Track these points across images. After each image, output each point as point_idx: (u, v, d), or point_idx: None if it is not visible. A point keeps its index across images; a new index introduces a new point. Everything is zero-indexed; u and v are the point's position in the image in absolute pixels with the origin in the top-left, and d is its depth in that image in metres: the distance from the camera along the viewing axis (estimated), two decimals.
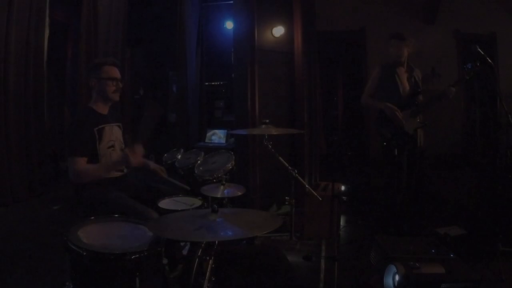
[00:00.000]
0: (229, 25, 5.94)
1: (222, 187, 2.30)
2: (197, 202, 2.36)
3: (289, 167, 2.45)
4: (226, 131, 5.54)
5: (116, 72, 2.39)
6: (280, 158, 2.48)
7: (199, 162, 2.93)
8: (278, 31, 4.29)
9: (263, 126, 2.53)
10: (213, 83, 6.35)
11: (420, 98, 3.15)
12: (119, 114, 2.57)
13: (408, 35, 3.17)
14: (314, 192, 2.58)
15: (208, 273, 1.52)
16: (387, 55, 3.22)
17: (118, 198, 2.23)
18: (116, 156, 2.34)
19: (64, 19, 5.82)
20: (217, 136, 5.59)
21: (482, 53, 2.72)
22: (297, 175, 2.45)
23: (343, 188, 3.40)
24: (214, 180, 2.64)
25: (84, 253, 1.48)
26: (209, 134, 5.66)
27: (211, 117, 6.34)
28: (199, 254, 1.69)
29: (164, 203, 2.32)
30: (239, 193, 2.33)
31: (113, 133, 2.42)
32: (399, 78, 3.15)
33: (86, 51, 4.65)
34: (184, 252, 2.09)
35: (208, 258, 1.54)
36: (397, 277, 2.00)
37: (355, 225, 3.77)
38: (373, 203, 4.21)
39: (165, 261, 1.64)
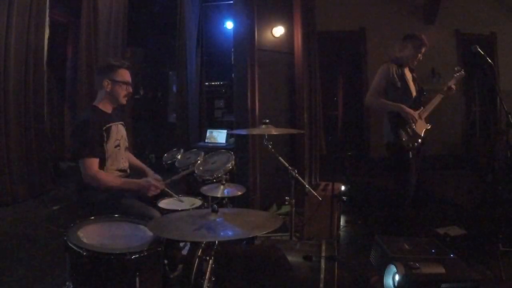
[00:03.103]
0: (229, 25, 5.94)
1: (222, 187, 2.30)
2: (197, 202, 2.36)
3: (289, 167, 2.44)
4: (226, 131, 5.54)
5: (129, 76, 2.40)
6: (280, 158, 2.48)
7: (199, 162, 2.92)
8: (278, 31, 4.29)
9: (263, 126, 2.53)
10: (213, 83, 6.35)
11: (424, 99, 3.11)
12: (121, 113, 2.57)
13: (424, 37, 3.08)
14: (314, 192, 2.57)
15: (208, 273, 1.52)
16: (399, 56, 3.09)
17: (119, 197, 2.23)
18: (138, 181, 2.29)
19: (64, 19, 5.82)
20: (217, 136, 5.59)
21: (482, 53, 2.71)
22: (297, 175, 2.44)
23: (343, 188, 3.39)
24: (214, 180, 2.64)
25: (84, 253, 1.48)
26: (209, 134, 5.66)
27: (211, 117, 6.34)
28: (199, 254, 1.69)
29: (164, 203, 2.32)
30: (239, 193, 2.33)
31: (119, 132, 2.42)
32: (407, 79, 3.07)
33: (86, 51, 4.66)
34: (184, 252, 2.09)
35: (208, 258, 1.54)
36: (397, 277, 2.00)
37: (355, 225, 3.77)
38: (373, 203, 4.22)
39: (165, 261, 1.64)
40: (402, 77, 3.04)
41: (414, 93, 3.07)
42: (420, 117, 3.03)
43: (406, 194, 2.96)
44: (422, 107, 3.07)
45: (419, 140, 2.99)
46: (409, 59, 3.08)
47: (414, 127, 2.98)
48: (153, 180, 2.27)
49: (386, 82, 3.04)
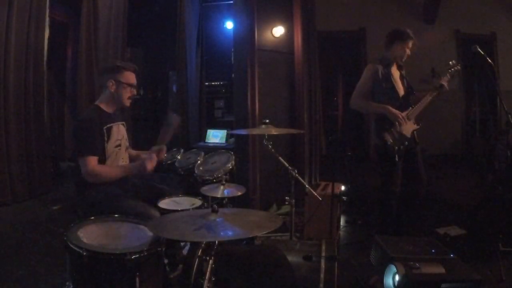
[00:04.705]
0: (229, 25, 5.94)
1: (222, 187, 2.30)
2: (197, 202, 2.36)
3: (289, 167, 2.44)
4: (226, 131, 5.54)
5: (134, 79, 2.41)
6: (280, 158, 2.48)
7: (199, 162, 2.93)
8: (278, 31, 4.29)
9: (263, 126, 2.53)
10: (213, 83, 6.36)
11: (413, 98, 3.00)
12: (122, 113, 2.58)
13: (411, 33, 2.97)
14: (314, 192, 2.57)
15: (208, 273, 1.52)
16: (386, 55, 3.00)
17: (119, 197, 2.23)
18: (134, 164, 2.32)
19: (64, 19, 5.82)
20: (217, 136, 5.59)
21: (482, 53, 2.69)
22: (297, 175, 2.45)
23: (343, 188, 3.38)
24: (214, 180, 2.64)
25: (84, 253, 1.48)
26: (209, 134, 5.66)
27: (211, 117, 6.34)
28: (199, 254, 1.69)
29: (164, 203, 2.32)
30: (239, 193, 2.34)
31: (119, 132, 2.42)
32: (394, 78, 2.97)
33: (86, 51, 4.66)
34: (184, 252, 2.09)
35: (208, 258, 1.54)
36: (397, 277, 2.00)
37: (355, 225, 3.77)
38: (373, 203, 4.21)
39: (165, 261, 1.64)
40: (389, 77, 2.95)
41: (401, 93, 2.97)
42: (408, 118, 2.92)
43: (392, 196, 2.90)
44: (411, 107, 2.95)
45: (406, 142, 2.90)
46: (397, 57, 2.98)
47: (400, 129, 2.88)
48: (147, 157, 2.27)
49: (372, 83, 2.97)
